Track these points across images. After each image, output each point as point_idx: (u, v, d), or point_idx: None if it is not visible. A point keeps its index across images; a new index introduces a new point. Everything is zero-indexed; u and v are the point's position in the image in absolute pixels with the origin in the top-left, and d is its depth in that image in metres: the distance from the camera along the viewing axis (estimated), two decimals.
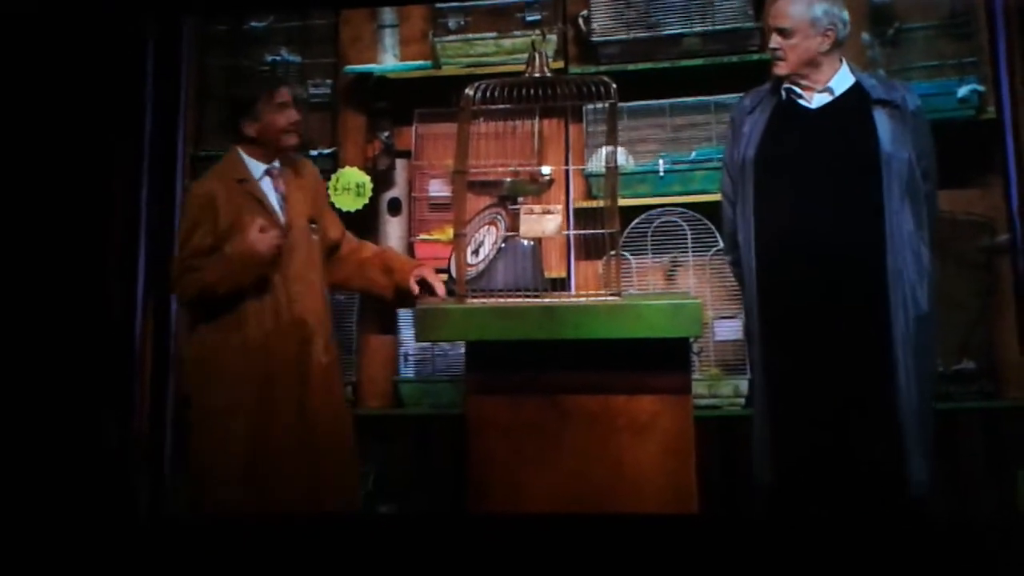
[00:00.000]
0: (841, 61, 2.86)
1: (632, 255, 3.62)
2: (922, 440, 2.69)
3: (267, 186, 3.04)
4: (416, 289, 3.01)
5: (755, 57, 3.60)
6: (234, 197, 2.98)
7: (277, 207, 3.03)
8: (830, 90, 2.84)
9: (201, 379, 3.01)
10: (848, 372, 2.72)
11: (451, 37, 3.80)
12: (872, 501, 2.73)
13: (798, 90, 2.86)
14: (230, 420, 2.93)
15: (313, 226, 3.08)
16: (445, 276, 3.06)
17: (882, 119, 2.76)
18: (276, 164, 3.06)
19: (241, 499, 2.88)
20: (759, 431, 2.82)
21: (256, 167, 3.04)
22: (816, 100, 2.85)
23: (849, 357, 2.72)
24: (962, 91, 3.44)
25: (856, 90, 2.83)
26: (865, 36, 3.58)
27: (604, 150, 2.99)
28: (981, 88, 3.43)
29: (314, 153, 3.74)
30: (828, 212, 2.75)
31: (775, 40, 2.84)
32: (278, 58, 3.92)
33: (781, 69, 2.85)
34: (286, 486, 2.91)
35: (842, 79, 2.85)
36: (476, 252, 3.01)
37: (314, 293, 3.05)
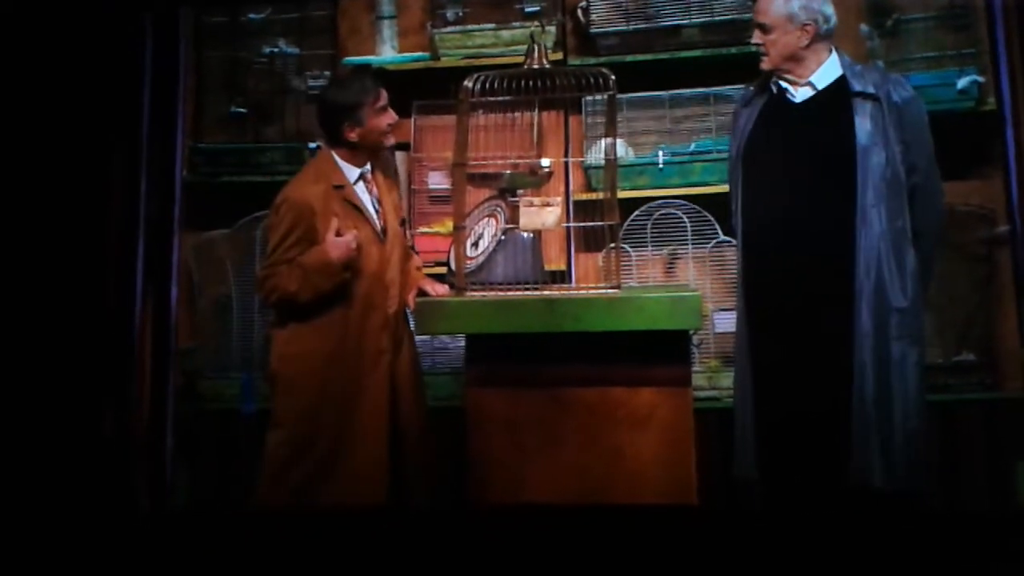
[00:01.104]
0: (831, 52, 2.84)
1: (632, 247, 3.61)
2: (891, 433, 2.66)
3: (361, 191, 3.03)
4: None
5: (754, 49, 3.58)
6: (332, 204, 2.95)
7: (373, 212, 3.02)
8: (811, 84, 2.83)
9: (290, 378, 2.97)
10: (818, 367, 2.71)
11: (449, 28, 3.79)
12: (839, 494, 2.73)
13: (784, 84, 2.86)
14: (317, 423, 2.92)
15: (404, 226, 3.09)
16: (444, 269, 3.06)
17: (861, 112, 2.74)
18: (368, 168, 3.06)
19: (319, 501, 2.89)
20: (741, 429, 2.81)
21: (351, 172, 3.02)
22: (799, 94, 2.85)
23: (820, 352, 2.72)
24: (962, 82, 3.44)
25: (840, 84, 2.82)
26: (864, 27, 3.58)
27: (603, 142, 2.99)
28: (981, 79, 3.43)
29: (313, 145, 3.73)
30: (803, 205, 2.74)
31: (756, 36, 2.84)
32: (276, 49, 3.91)
33: (764, 64, 2.85)
34: (369, 492, 2.90)
35: (826, 73, 2.83)
36: (476, 245, 3.01)
37: (402, 296, 3.05)
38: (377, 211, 3.04)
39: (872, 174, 2.70)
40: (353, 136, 2.99)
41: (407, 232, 3.14)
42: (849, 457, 2.66)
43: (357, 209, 2.99)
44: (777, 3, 2.80)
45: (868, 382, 2.66)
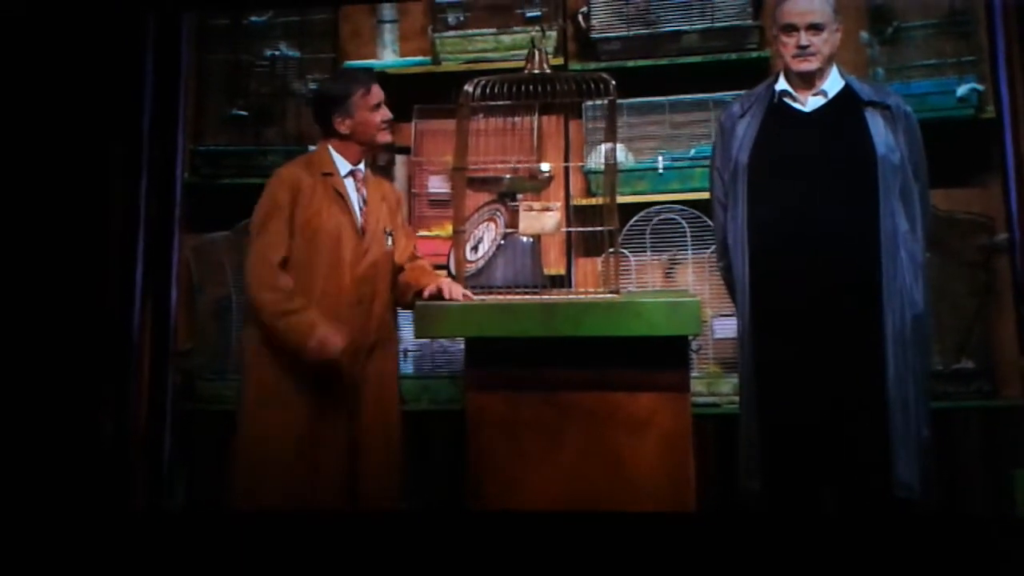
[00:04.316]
0: (831, 63, 2.88)
1: (631, 252, 3.62)
2: (910, 441, 2.69)
3: (350, 185, 3.04)
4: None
5: (754, 55, 3.61)
6: (318, 189, 2.98)
7: (357, 207, 3.03)
8: (824, 92, 2.85)
9: (256, 373, 2.99)
10: (841, 374, 2.72)
11: (450, 33, 3.80)
12: (860, 502, 2.74)
13: (793, 92, 2.86)
14: (279, 420, 2.91)
15: (389, 235, 3.08)
16: (444, 273, 3.06)
17: (874, 120, 2.78)
18: (361, 167, 3.07)
19: (285, 497, 2.88)
20: (747, 438, 2.81)
21: (343, 164, 3.04)
22: (810, 103, 2.86)
23: (842, 359, 2.72)
24: (961, 90, 3.45)
25: (847, 92, 2.85)
26: (864, 35, 3.59)
27: (603, 147, 2.99)
28: (980, 87, 3.44)
29: (313, 148, 3.73)
30: (824, 213, 2.76)
31: (806, 37, 2.82)
32: (277, 53, 3.92)
33: (812, 64, 2.82)
34: (328, 488, 2.90)
35: (834, 81, 2.87)
36: (475, 249, 3.01)
37: (380, 299, 3.03)
38: (361, 209, 3.04)
39: (891, 180, 2.73)
40: (344, 128, 3.01)
41: (393, 242, 3.11)
42: (874, 466, 2.68)
43: (341, 197, 3.01)
44: (824, 1, 2.83)
45: (897, 390, 2.68)
